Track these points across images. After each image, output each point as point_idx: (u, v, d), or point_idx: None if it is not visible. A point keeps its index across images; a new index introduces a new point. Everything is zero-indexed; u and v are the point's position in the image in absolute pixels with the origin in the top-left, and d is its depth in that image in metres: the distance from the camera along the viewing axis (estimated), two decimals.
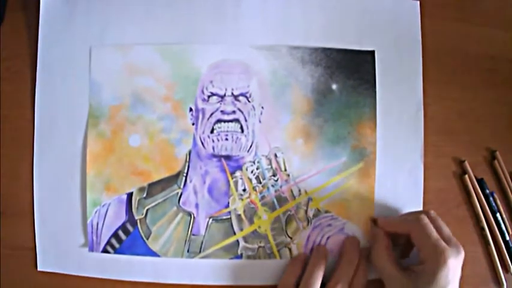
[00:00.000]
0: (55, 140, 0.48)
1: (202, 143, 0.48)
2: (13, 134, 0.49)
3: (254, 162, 0.48)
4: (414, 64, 0.50)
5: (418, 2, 0.50)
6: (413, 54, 0.50)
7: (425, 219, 0.42)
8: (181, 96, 0.48)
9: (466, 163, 0.50)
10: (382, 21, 0.50)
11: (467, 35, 0.51)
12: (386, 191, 0.48)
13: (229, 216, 0.47)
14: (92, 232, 0.47)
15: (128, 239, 0.47)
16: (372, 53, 0.49)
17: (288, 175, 0.48)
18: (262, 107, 0.48)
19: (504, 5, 0.52)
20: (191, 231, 0.47)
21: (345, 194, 0.48)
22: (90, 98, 0.48)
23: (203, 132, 0.48)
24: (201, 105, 0.48)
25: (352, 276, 0.44)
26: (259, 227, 0.48)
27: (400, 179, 0.49)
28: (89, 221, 0.47)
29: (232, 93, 0.48)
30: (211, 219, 0.47)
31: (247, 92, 0.48)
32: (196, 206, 0.48)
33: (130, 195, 0.48)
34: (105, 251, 0.47)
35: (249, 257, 0.47)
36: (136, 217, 0.47)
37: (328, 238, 0.48)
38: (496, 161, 0.50)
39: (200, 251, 0.47)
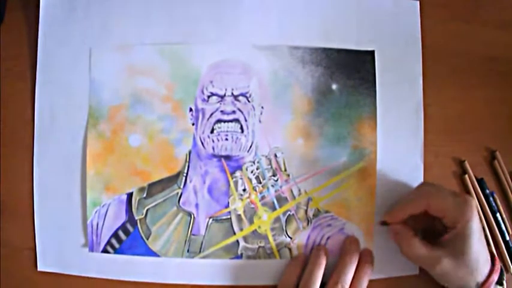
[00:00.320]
0: (55, 140, 0.48)
1: (202, 143, 0.48)
2: (13, 134, 0.49)
3: (254, 162, 0.48)
4: (414, 64, 0.50)
5: (418, 2, 0.50)
6: (413, 54, 0.50)
7: (432, 187, 0.44)
8: (181, 97, 0.48)
9: (466, 163, 0.50)
10: (382, 21, 0.50)
11: (467, 35, 0.51)
12: (387, 191, 0.48)
13: (229, 216, 0.47)
14: (92, 232, 0.47)
15: (128, 239, 0.47)
16: (372, 53, 0.49)
17: (288, 175, 0.48)
18: (262, 107, 0.48)
19: (504, 5, 0.52)
20: (191, 231, 0.47)
21: (345, 194, 0.48)
22: (90, 98, 0.48)
23: (203, 132, 0.48)
24: (200, 105, 0.48)
25: (352, 276, 0.44)
26: (259, 227, 0.48)
27: (400, 178, 0.48)
28: (89, 221, 0.47)
29: (232, 93, 0.48)
30: (211, 219, 0.47)
31: (247, 92, 0.48)
32: (196, 206, 0.48)
33: (130, 195, 0.48)
34: (105, 251, 0.47)
35: (249, 257, 0.47)
36: (136, 217, 0.47)
37: (328, 238, 0.48)
38: (496, 161, 0.50)
39: (200, 251, 0.47)
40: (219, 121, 0.48)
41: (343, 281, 0.44)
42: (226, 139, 0.48)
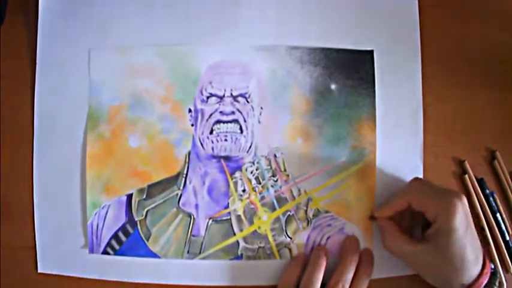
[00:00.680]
0: (55, 140, 0.48)
1: (201, 144, 0.48)
2: (13, 134, 0.49)
3: (253, 163, 0.48)
4: (413, 64, 0.49)
5: (417, 2, 0.50)
6: (413, 54, 0.50)
7: (417, 183, 0.44)
8: (181, 97, 0.48)
9: (466, 163, 0.50)
10: (381, 21, 0.49)
11: (467, 35, 0.51)
12: (386, 191, 0.48)
13: (229, 217, 0.47)
14: (92, 233, 0.47)
15: (127, 240, 0.47)
16: (371, 52, 0.49)
17: (288, 175, 0.48)
18: (261, 108, 0.48)
19: (504, 5, 0.52)
20: (191, 232, 0.47)
21: (345, 194, 0.48)
22: (89, 98, 0.48)
23: (202, 133, 0.48)
24: (200, 106, 0.48)
25: (352, 276, 0.44)
26: (259, 227, 0.48)
27: (399, 179, 0.48)
28: (88, 222, 0.47)
29: (231, 94, 0.48)
30: (211, 220, 0.47)
31: (246, 93, 0.48)
32: (196, 207, 0.48)
33: (130, 196, 0.48)
34: (105, 252, 0.47)
35: (249, 258, 0.47)
36: (136, 218, 0.47)
37: (328, 238, 0.48)
38: (496, 161, 0.50)
39: (200, 252, 0.47)
40: (218, 122, 0.48)
41: (344, 281, 0.44)
42: (226, 140, 0.48)
